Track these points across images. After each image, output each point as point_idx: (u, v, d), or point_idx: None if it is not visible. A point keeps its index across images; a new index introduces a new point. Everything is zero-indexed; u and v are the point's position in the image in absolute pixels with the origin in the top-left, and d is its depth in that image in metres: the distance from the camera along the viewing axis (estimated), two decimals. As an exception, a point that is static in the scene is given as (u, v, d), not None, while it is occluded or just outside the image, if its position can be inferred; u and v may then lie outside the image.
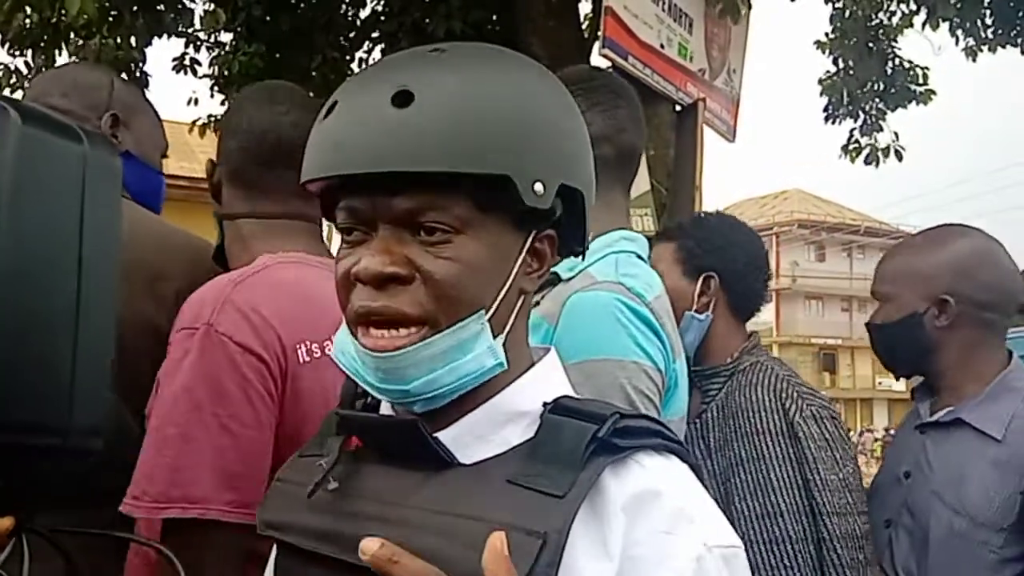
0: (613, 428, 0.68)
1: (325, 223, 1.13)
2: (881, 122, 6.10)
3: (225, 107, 5.25)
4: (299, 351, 1.12)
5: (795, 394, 1.58)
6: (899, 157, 6.13)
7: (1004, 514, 1.43)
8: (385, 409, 0.80)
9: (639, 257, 1.39)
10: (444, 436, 0.72)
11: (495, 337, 0.71)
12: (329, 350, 1.08)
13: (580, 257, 0.83)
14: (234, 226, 1.32)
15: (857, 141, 6.21)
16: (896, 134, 6.13)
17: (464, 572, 0.62)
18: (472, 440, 0.72)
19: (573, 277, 1.31)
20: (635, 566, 0.65)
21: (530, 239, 0.74)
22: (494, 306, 0.71)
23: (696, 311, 1.69)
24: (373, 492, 0.73)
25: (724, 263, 1.70)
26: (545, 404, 0.72)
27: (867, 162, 6.18)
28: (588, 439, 0.67)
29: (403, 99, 0.68)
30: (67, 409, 0.64)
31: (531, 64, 0.77)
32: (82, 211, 0.66)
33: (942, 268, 1.58)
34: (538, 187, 0.70)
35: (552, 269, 0.80)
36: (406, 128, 0.67)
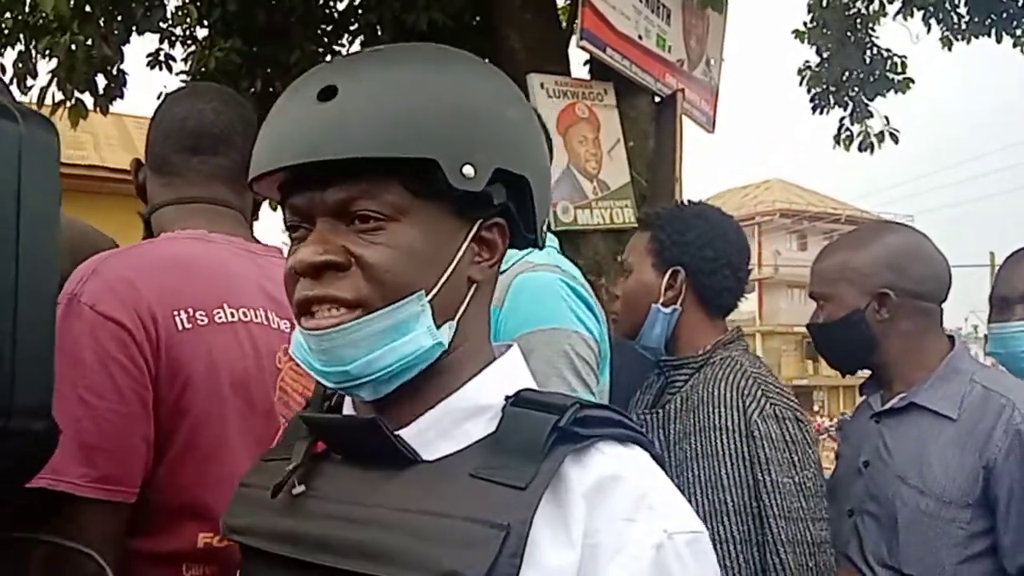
0: (574, 418, 0.69)
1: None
2: (869, 108, 6.11)
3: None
4: (177, 318, 1.09)
5: (758, 392, 1.54)
6: (895, 140, 6.14)
7: (967, 490, 1.47)
8: (348, 410, 0.80)
9: (556, 251, 1.61)
10: (406, 433, 0.72)
11: (442, 323, 0.72)
12: (220, 318, 1.12)
13: (537, 247, 0.83)
14: (157, 216, 1.29)
15: (848, 130, 6.23)
16: (887, 118, 6.14)
17: (430, 569, 0.62)
18: (434, 436, 0.72)
19: (508, 269, 1.44)
20: (595, 553, 0.66)
21: (475, 227, 0.74)
22: (435, 290, 0.71)
23: (662, 304, 1.68)
24: (337, 492, 0.73)
25: (693, 258, 1.68)
26: (507, 398, 0.72)
27: (861, 149, 6.20)
28: (549, 429, 0.68)
29: (327, 93, 0.70)
30: (8, 389, 0.62)
31: (472, 60, 0.78)
32: (19, 191, 0.63)
33: (877, 264, 1.63)
34: (467, 170, 0.70)
35: None
36: (328, 119, 0.69)
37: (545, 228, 0.82)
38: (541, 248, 0.84)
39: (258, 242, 1.32)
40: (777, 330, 34.21)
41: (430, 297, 0.71)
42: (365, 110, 0.69)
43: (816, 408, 30.78)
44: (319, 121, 0.69)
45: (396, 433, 0.72)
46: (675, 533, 0.67)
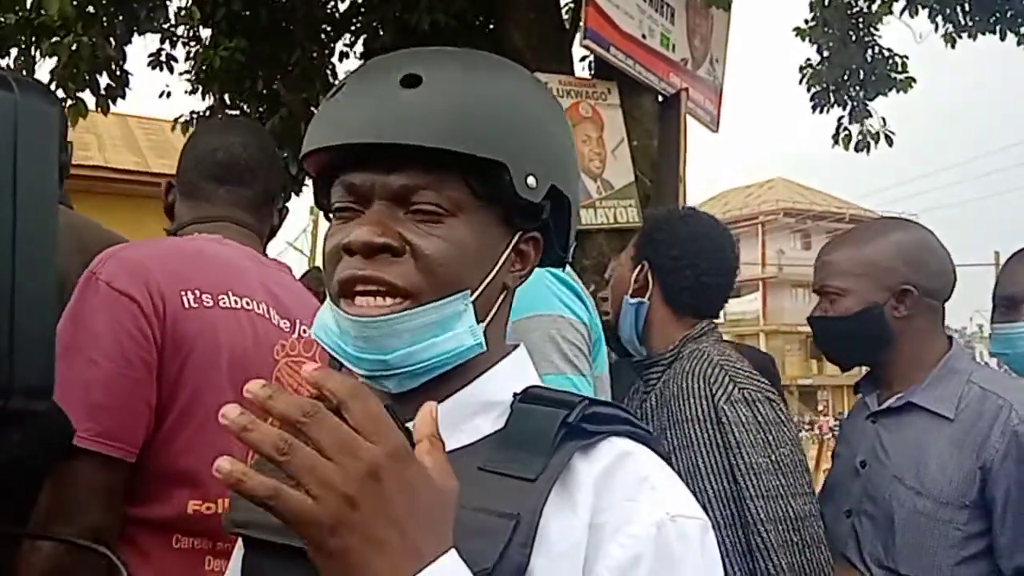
0: (582, 414, 0.70)
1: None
2: (868, 108, 6.11)
3: (207, 103, 5.22)
4: (184, 296, 1.18)
5: (724, 379, 1.57)
6: (889, 142, 6.14)
7: (964, 491, 1.46)
8: None
9: None
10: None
11: (478, 322, 0.73)
12: (224, 303, 1.21)
13: (562, 266, 0.85)
14: (182, 233, 1.41)
15: (847, 129, 6.23)
16: (884, 119, 6.15)
17: None
18: (444, 430, 0.72)
19: None
20: (598, 532, 0.66)
21: (516, 237, 0.76)
22: (480, 289, 0.73)
23: (629, 295, 1.75)
24: None
25: (657, 254, 1.74)
26: (515, 394, 0.73)
27: (858, 149, 6.19)
28: (558, 424, 0.69)
29: (412, 81, 0.70)
30: (7, 368, 0.61)
31: (529, 74, 0.81)
32: (15, 162, 0.62)
33: (897, 259, 1.61)
34: (531, 181, 0.72)
35: None
36: (412, 105, 0.69)
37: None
38: (564, 269, 0.86)
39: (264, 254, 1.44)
40: (781, 329, 34.16)
41: (474, 297, 0.72)
42: (450, 103, 0.70)
43: (821, 408, 30.72)
44: (403, 106, 0.69)
45: (405, 425, 0.71)
46: (678, 516, 0.68)
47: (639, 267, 1.76)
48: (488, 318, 0.75)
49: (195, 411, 1.16)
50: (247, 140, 1.43)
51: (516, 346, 0.81)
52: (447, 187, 0.70)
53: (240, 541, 0.82)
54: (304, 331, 1.30)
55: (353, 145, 0.70)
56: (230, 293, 1.23)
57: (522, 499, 0.65)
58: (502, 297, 0.77)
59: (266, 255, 1.44)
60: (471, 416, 0.74)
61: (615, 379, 1.75)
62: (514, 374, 0.77)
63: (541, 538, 0.64)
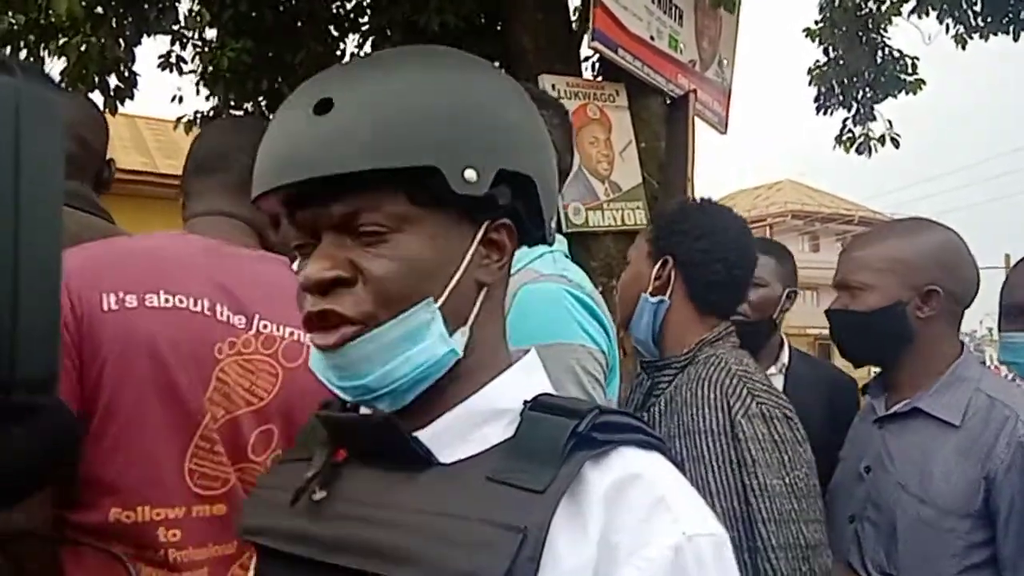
0: (593, 423, 0.68)
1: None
2: (873, 111, 6.09)
3: (212, 105, 5.22)
4: (104, 299, 1.14)
5: (743, 391, 1.45)
6: (896, 145, 6.12)
7: (968, 500, 1.44)
8: (366, 411, 0.79)
9: (564, 255, 1.55)
10: (422, 435, 0.72)
11: (455, 328, 0.72)
12: (151, 302, 1.15)
13: (547, 243, 0.82)
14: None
15: (851, 131, 6.21)
16: (890, 122, 6.13)
17: (447, 570, 0.62)
18: (451, 439, 0.72)
19: (513, 276, 1.42)
20: (612, 553, 0.65)
21: (482, 230, 0.74)
22: (443, 296, 0.71)
23: (649, 293, 1.62)
24: (355, 494, 0.73)
25: (684, 248, 1.61)
26: (525, 402, 0.72)
27: (859, 151, 6.18)
28: (568, 434, 0.67)
29: (323, 107, 0.69)
30: (8, 360, 0.59)
31: (470, 60, 0.77)
32: (17, 148, 0.60)
33: (927, 259, 1.58)
34: (469, 174, 0.69)
35: None
36: (324, 133, 0.68)
37: (554, 229, 0.82)
38: (551, 244, 0.83)
39: (271, 249, 1.36)
40: (790, 332, 33.95)
41: (439, 304, 0.71)
42: (361, 122, 0.68)
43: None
44: (315, 136, 0.68)
45: (412, 434, 0.71)
46: (694, 535, 0.66)
47: (661, 262, 1.62)
48: (470, 320, 0.73)
49: (115, 416, 1.12)
50: (226, 127, 1.39)
51: (526, 351, 0.80)
52: (385, 204, 0.69)
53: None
54: (265, 326, 1.22)
55: (285, 185, 0.69)
56: (161, 292, 1.17)
57: (530, 511, 0.63)
58: (482, 295, 0.74)
59: (256, 243, 1.35)
60: (479, 425, 0.72)
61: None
62: (524, 381, 0.76)
63: (549, 553, 0.63)
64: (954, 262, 1.59)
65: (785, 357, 2.36)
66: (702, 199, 1.74)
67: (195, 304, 1.18)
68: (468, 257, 0.72)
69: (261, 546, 0.79)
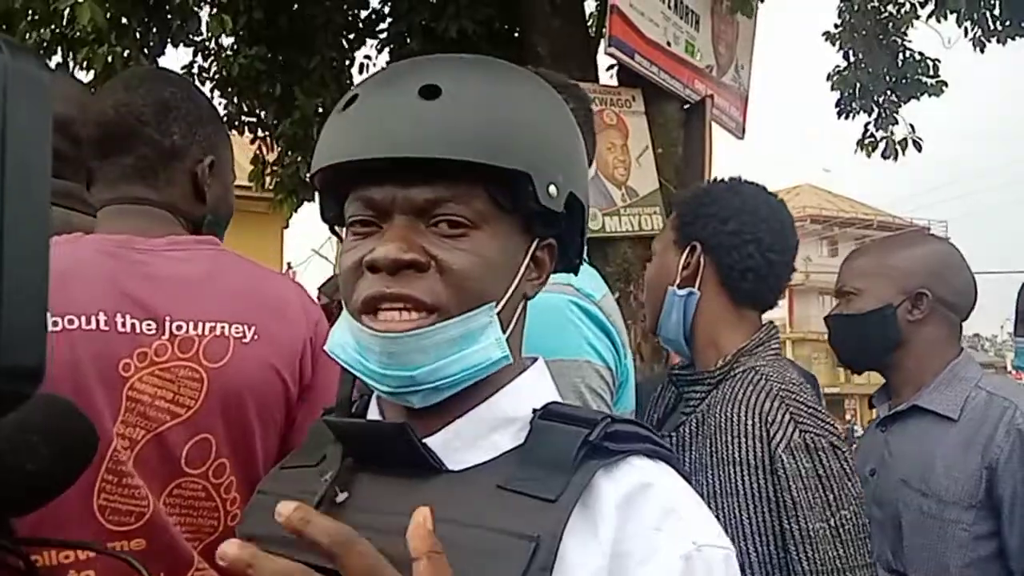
0: (604, 432, 0.68)
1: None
2: (895, 115, 6.05)
3: (225, 110, 5.27)
4: None
5: (785, 417, 1.27)
6: (918, 148, 6.07)
7: (971, 491, 1.46)
8: (373, 415, 0.80)
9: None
10: (432, 442, 0.71)
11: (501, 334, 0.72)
12: (55, 327, 1.01)
13: (575, 272, 0.84)
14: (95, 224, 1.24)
15: (872, 135, 6.17)
16: (912, 126, 6.08)
17: None
18: (461, 446, 0.72)
19: None
20: (623, 563, 0.65)
21: (534, 245, 0.75)
22: (503, 301, 0.72)
23: (677, 285, 1.43)
24: (362, 501, 0.72)
25: (712, 231, 1.41)
26: (535, 410, 0.72)
27: (884, 156, 6.13)
28: (579, 443, 0.67)
29: (431, 92, 0.69)
30: None
31: (542, 80, 0.80)
32: (3, 127, 0.57)
33: (917, 265, 1.62)
34: (552, 189, 0.71)
35: None
36: (433, 118, 0.68)
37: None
38: (576, 273, 0.84)
39: (200, 233, 1.25)
40: (808, 337, 33.79)
41: (499, 309, 0.71)
42: (471, 114, 0.68)
43: (848, 417, 30.36)
44: (423, 118, 0.68)
45: (423, 441, 0.71)
46: (704, 546, 0.66)
47: (688, 249, 1.43)
48: (509, 329, 0.74)
49: None
50: (122, 98, 1.20)
51: (534, 359, 0.80)
52: (471, 199, 0.69)
53: None
54: (180, 327, 1.09)
55: (372, 159, 0.69)
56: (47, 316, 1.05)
57: (542, 520, 0.63)
58: (521, 307, 0.76)
59: (177, 229, 1.22)
60: (489, 432, 0.72)
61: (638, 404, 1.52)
62: (533, 389, 0.76)
63: (561, 562, 0.62)
64: (944, 272, 1.63)
65: None
66: (730, 178, 1.54)
67: (88, 321, 1.06)
68: (523, 268, 0.74)
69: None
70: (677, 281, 1.43)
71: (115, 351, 1.06)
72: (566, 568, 0.63)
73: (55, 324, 1.03)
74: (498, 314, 0.71)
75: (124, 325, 1.08)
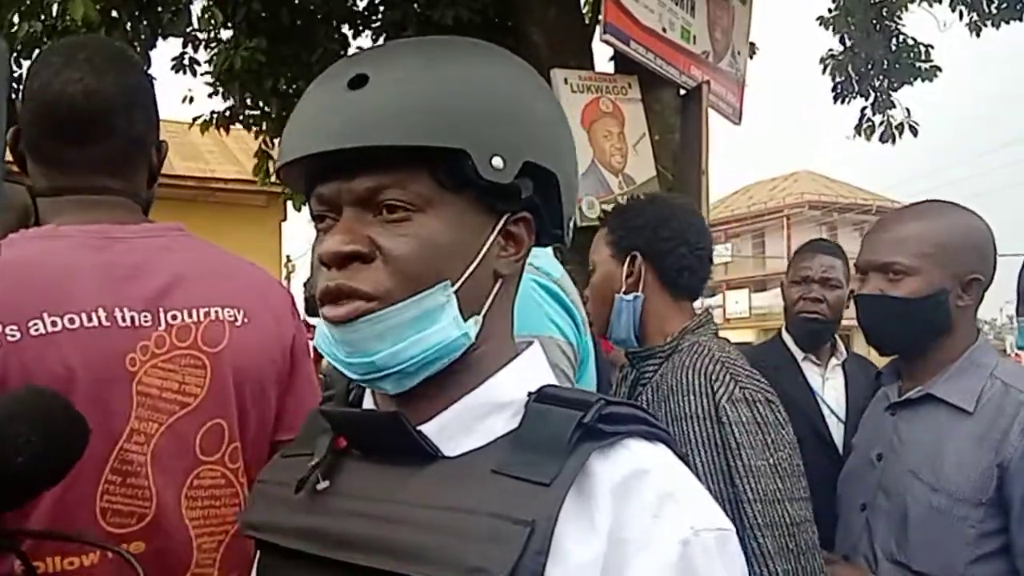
0: (599, 414, 0.68)
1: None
2: (891, 98, 6.04)
3: (228, 105, 5.25)
4: None
5: (726, 376, 1.49)
6: (914, 133, 6.08)
7: (981, 488, 1.42)
8: (368, 405, 0.80)
9: None
10: (427, 429, 0.72)
11: (468, 316, 0.72)
12: (36, 330, 0.99)
13: (563, 243, 0.82)
14: (40, 204, 1.18)
15: (869, 119, 6.16)
16: (908, 110, 6.08)
17: (454, 565, 0.62)
18: (455, 432, 0.72)
19: None
20: (621, 548, 0.65)
21: (502, 221, 0.74)
22: (460, 281, 0.71)
23: (624, 292, 1.66)
24: (358, 489, 0.73)
25: (647, 240, 1.65)
26: (529, 394, 0.71)
27: (882, 140, 6.13)
28: (573, 426, 0.67)
29: (358, 81, 0.69)
30: None
31: (503, 53, 0.78)
32: None
33: (967, 245, 1.54)
34: (496, 161, 0.70)
35: None
36: (359, 107, 0.68)
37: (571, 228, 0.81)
38: (568, 245, 0.83)
39: (146, 215, 1.23)
40: (806, 322, 33.78)
41: (455, 288, 0.70)
42: (396, 99, 0.68)
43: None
44: (349, 109, 0.68)
45: (418, 428, 0.71)
46: (702, 530, 0.66)
47: (630, 259, 1.66)
48: (483, 309, 0.73)
49: None
50: (91, 83, 1.13)
51: (529, 343, 0.79)
52: (412, 183, 0.69)
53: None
54: (175, 317, 1.08)
55: (314, 155, 0.69)
56: (45, 315, 1.01)
57: (537, 504, 0.63)
58: (497, 286, 0.74)
59: (143, 219, 1.20)
60: (483, 417, 0.72)
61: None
62: (528, 373, 0.75)
63: (556, 546, 0.62)
64: (987, 249, 1.55)
65: (843, 351, 2.49)
66: (644, 195, 1.83)
67: (89, 319, 1.04)
68: (487, 246, 0.72)
69: (263, 542, 0.78)
70: (623, 288, 1.66)
71: (119, 347, 1.05)
72: (562, 553, 0.63)
73: (55, 324, 1.02)
74: (457, 293, 0.70)
75: (124, 319, 1.06)
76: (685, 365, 1.55)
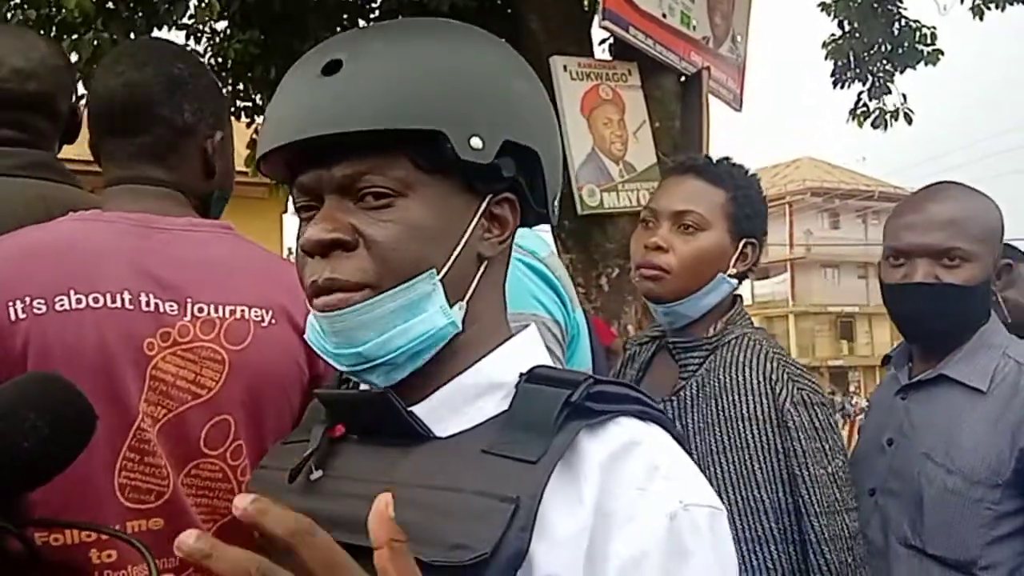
0: (587, 393, 0.68)
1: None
2: (889, 84, 6.01)
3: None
4: (12, 308, 1.03)
5: (785, 376, 1.42)
6: (908, 120, 6.05)
7: (997, 470, 1.40)
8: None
9: None
10: (419, 410, 0.72)
11: (454, 302, 0.71)
12: (61, 305, 1.03)
13: (549, 222, 0.81)
14: (103, 196, 1.24)
15: (865, 105, 6.13)
16: (904, 96, 6.05)
17: (440, 543, 0.62)
18: (447, 413, 0.72)
19: None
20: (607, 522, 0.64)
21: (485, 202, 0.73)
22: (446, 267, 0.70)
23: (731, 275, 1.52)
24: (352, 471, 0.73)
25: (759, 231, 1.55)
26: (521, 375, 0.71)
27: (875, 126, 6.11)
28: (560, 404, 0.67)
29: (331, 68, 0.68)
30: None
31: (479, 33, 0.77)
32: None
33: (999, 230, 1.52)
34: (475, 142, 0.69)
35: None
36: (331, 93, 0.68)
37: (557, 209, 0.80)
38: (554, 224, 0.81)
39: (208, 208, 1.28)
40: (810, 311, 33.84)
41: (441, 275, 0.70)
42: (370, 83, 0.68)
43: (852, 388, 30.44)
44: (323, 95, 0.68)
45: (409, 409, 0.71)
46: (690, 504, 0.66)
47: (748, 245, 1.53)
48: (468, 294, 0.72)
49: None
50: (131, 76, 1.19)
51: (526, 325, 0.79)
52: (391, 168, 0.68)
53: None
54: (201, 310, 1.10)
55: (292, 145, 0.68)
56: (72, 292, 1.05)
57: (523, 482, 0.63)
58: (481, 269, 0.74)
59: (190, 211, 1.23)
60: (475, 398, 0.72)
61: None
62: (521, 355, 0.75)
63: (542, 522, 0.62)
64: (1002, 232, 1.53)
65: None
66: (740, 164, 1.61)
67: (113, 300, 1.07)
68: (470, 229, 0.72)
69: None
70: (734, 271, 1.53)
71: (140, 330, 1.07)
72: (547, 528, 0.63)
73: (79, 302, 1.05)
74: (443, 280, 0.70)
75: (148, 304, 1.09)
76: (740, 362, 1.46)
